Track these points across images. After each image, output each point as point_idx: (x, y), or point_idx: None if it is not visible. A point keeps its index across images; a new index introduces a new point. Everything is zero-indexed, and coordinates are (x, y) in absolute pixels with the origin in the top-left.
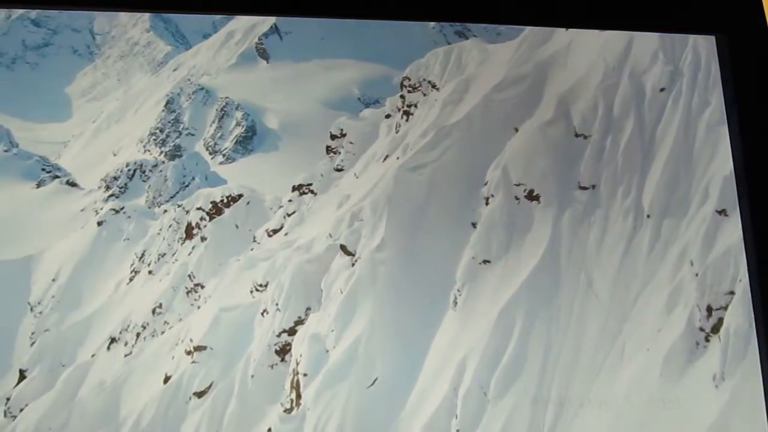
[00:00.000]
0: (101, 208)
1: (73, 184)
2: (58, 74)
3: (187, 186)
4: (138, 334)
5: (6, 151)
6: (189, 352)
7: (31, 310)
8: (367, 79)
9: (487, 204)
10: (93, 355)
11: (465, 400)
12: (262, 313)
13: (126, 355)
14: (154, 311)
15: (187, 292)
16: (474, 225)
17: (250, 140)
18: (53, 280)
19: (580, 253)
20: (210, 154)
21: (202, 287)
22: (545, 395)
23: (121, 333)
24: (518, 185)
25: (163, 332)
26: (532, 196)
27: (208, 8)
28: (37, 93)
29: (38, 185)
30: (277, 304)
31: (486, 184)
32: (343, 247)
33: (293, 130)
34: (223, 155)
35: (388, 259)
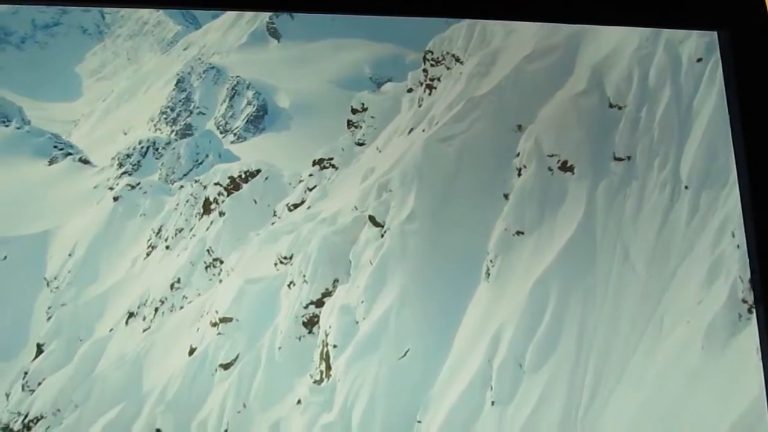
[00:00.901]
0: (114, 185)
1: (85, 162)
2: (68, 54)
3: (200, 163)
4: (156, 309)
5: (18, 128)
6: (214, 324)
7: (48, 285)
8: (378, 59)
9: (519, 175)
10: (111, 330)
11: (500, 372)
12: (289, 285)
13: (144, 330)
14: (172, 286)
15: (206, 267)
16: (506, 196)
17: (261, 119)
18: (69, 255)
19: (616, 225)
20: (221, 133)
21: (221, 262)
22: (582, 368)
23: (139, 308)
24: (551, 156)
25: (182, 307)
26: (565, 167)
27: (206, 4)
28: (47, 72)
29: (50, 162)
30: (304, 276)
31: (518, 155)
32: (371, 218)
33: (305, 109)
34: (234, 134)
35: (418, 230)
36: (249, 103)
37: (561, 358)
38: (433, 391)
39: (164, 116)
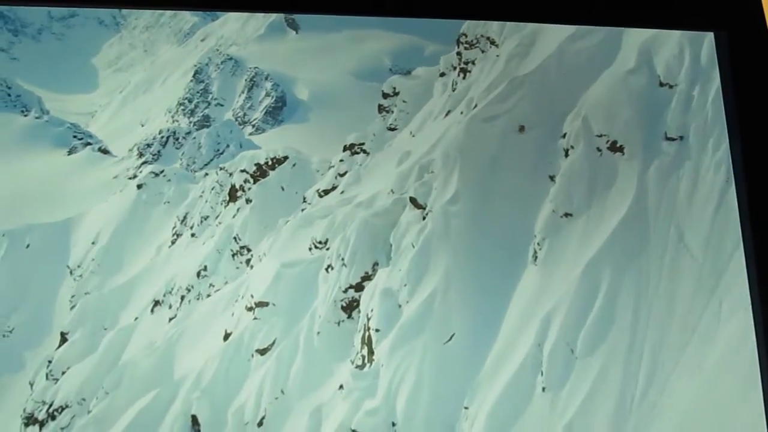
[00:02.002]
0: (135, 175)
1: (105, 152)
2: (84, 45)
3: (221, 153)
4: (183, 297)
5: (38, 118)
6: (250, 309)
7: (71, 273)
8: (398, 50)
9: (566, 156)
10: (136, 319)
11: (551, 357)
12: (327, 269)
13: (171, 319)
14: (198, 274)
15: (233, 255)
16: (551, 178)
17: (280, 111)
18: (93, 243)
19: (670, 207)
20: (239, 124)
21: (248, 250)
22: (637, 354)
23: (165, 296)
24: (600, 136)
25: (208, 295)
26: (615, 148)
27: (213, 5)
28: (64, 64)
29: (70, 152)
30: (342, 259)
31: (564, 135)
32: (413, 200)
33: (324, 100)
34: (253, 126)
35: (462, 212)
36: (267, 95)
37: (614, 343)
38: (481, 376)
39: (182, 107)
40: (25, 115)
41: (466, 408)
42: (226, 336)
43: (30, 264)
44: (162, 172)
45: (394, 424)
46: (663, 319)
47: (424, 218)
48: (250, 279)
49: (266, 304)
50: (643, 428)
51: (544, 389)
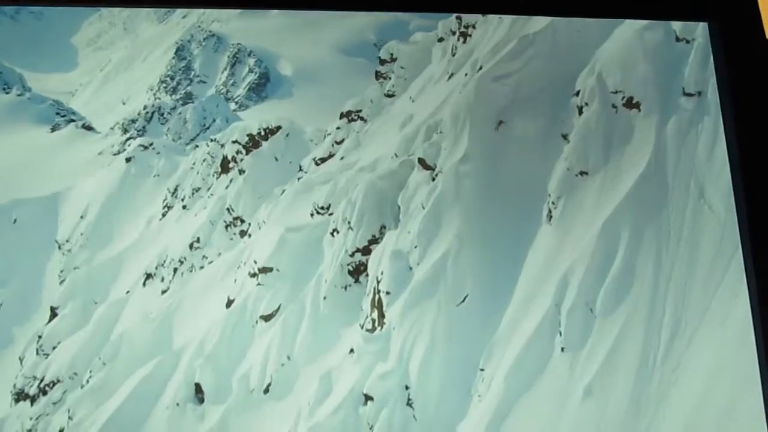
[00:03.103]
0: (120, 151)
1: (89, 128)
2: (64, 24)
3: (207, 128)
4: (175, 270)
5: (19, 95)
6: (253, 275)
7: (59, 248)
8: (383, 24)
9: (580, 114)
10: (128, 292)
11: (569, 317)
12: (332, 233)
13: (163, 292)
14: (191, 246)
15: (226, 226)
16: (564, 137)
17: (263, 87)
18: (81, 217)
19: (689, 163)
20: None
21: (242, 221)
22: (659, 311)
23: (157, 269)
24: (615, 93)
25: (202, 267)
26: (631, 104)
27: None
28: (42, 43)
29: (53, 129)
30: (349, 223)
31: (577, 93)
32: (421, 161)
33: (308, 76)
34: (236, 102)
35: (473, 172)
36: (251, 71)
37: (635, 301)
38: (496, 337)
39: (164, 85)
40: (7, 93)
41: (481, 370)
42: (229, 303)
43: (17, 239)
44: (151, 144)
45: (407, 388)
46: (685, 277)
47: (433, 179)
48: (253, 245)
49: (270, 269)
50: (666, 388)
51: (563, 349)
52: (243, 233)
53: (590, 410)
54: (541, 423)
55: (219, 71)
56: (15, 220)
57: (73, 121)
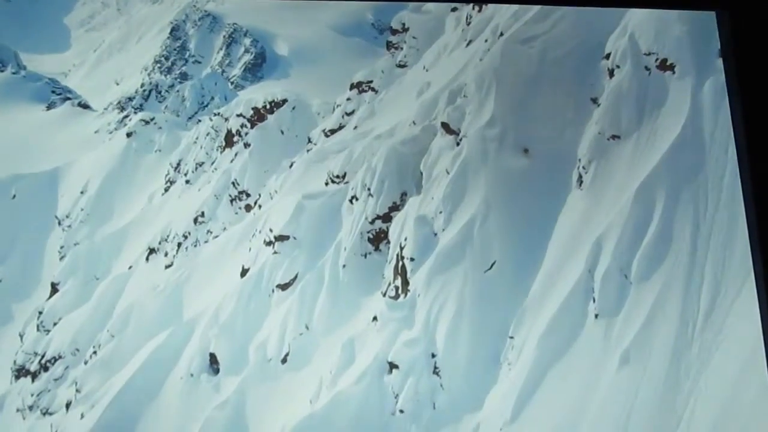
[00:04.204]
0: (117, 128)
1: (85, 106)
2: (56, 4)
3: (205, 106)
4: (179, 244)
5: (14, 73)
6: (269, 243)
7: (59, 223)
8: (380, 4)
9: (611, 77)
10: (130, 267)
11: (603, 283)
12: (351, 200)
13: (167, 266)
14: (195, 220)
15: (231, 200)
16: (593, 100)
17: (259, 67)
18: (82, 192)
19: (727, 125)
20: None
21: (247, 194)
22: (698, 276)
23: (160, 243)
24: (648, 55)
25: (206, 241)
26: (665, 66)
27: None
28: (36, 24)
29: (49, 107)
30: (369, 190)
31: (608, 56)
32: (445, 126)
33: (304, 56)
34: (232, 83)
35: (499, 136)
36: (247, 51)
37: (672, 266)
38: (526, 305)
39: (158, 65)
40: (2, 71)
41: (511, 337)
42: (244, 272)
43: (17, 214)
44: (153, 119)
45: (433, 356)
46: (724, 242)
47: (458, 144)
48: (268, 213)
49: (287, 237)
50: (707, 355)
51: (597, 316)
52: (249, 207)
53: (627, 379)
54: (576, 391)
55: (214, 51)
56: (14, 196)
57: (69, 99)
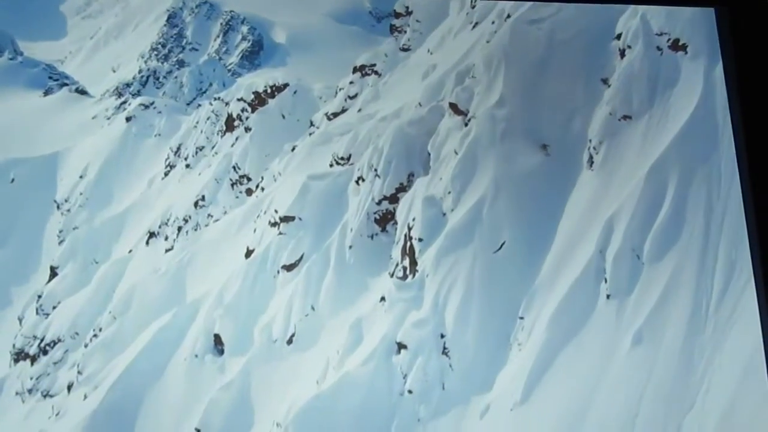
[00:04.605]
0: (114, 114)
1: (82, 92)
2: None
3: (204, 92)
4: (179, 228)
5: (11, 59)
6: (274, 224)
7: (58, 208)
8: None
9: (622, 57)
10: (130, 251)
11: (615, 263)
12: (357, 181)
13: (167, 250)
14: (196, 204)
15: (232, 184)
16: (604, 81)
17: (256, 55)
18: (81, 177)
19: None
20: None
21: (248, 179)
22: (711, 256)
23: (160, 227)
24: (660, 35)
25: (206, 225)
26: (677, 46)
27: None
28: (31, 11)
29: (46, 93)
30: (375, 170)
31: (618, 36)
32: (453, 106)
33: (302, 44)
34: (229, 70)
35: (509, 116)
36: (244, 39)
37: (685, 246)
38: (536, 285)
39: (155, 52)
40: None
41: (521, 318)
42: (248, 253)
43: (15, 199)
44: (152, 104)
45: (442, 336)
46: (738, 222)
47: (466, 124)
48: (273, 194)
49: (292, 218)
50: (721, 335)
51: (608, 296)
52: (249, 191)
53: (640, 359)
54: (587, 372)
55: (212, 39)
56: (12, 180)
57: (66, 85)
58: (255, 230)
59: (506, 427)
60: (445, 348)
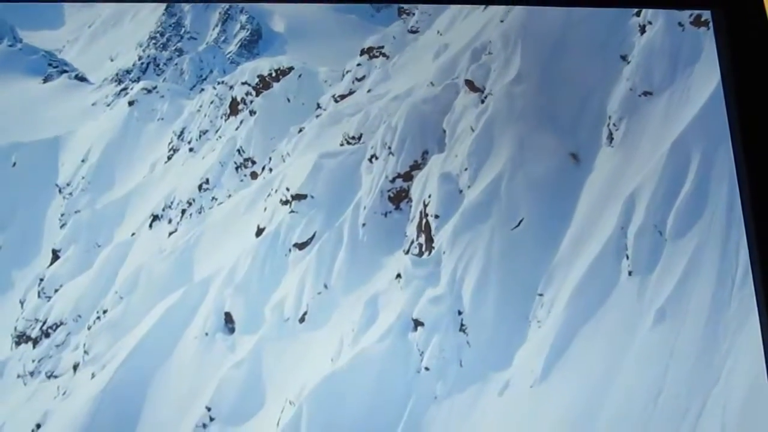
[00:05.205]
0: (113, 101)
1: (82, 79)
2: None
3: (204, 79)
4: (183, 211)
5: (11, 45)
6: (286, 202)
7: (60, 191)
8: None
9: (642, 33)
10: (133, 234)
11: (637, 240)
12: (370, 159)
13: (171, 233)
14: (200, 187)
15: (237, 168)
16: (623, 57)
17: (255, 44)
18: (83, 161)
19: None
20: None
21: (253, 162)
22: (736, 231)
23: (164, 210)
24: (682, 10)
25: (211, 208)
26: (699, 22)
27: None
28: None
29: (45, 80)
30: (389, 148)
31: (638, 13)
32: (468, 83)
33: (301, 33)
34: (228, 59)
35: (526, 93)
36: (242, 28)
37: (709, 222)
38: (555, 262)
39: (153, 41)
40: None
41: (540, 295)
42: (259, 232)
43: (17, 182)
44: (155, 88)
45: (460, 313)
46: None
47: (482, 101)
48: (284, 172)
49: (304, 196)
50: (745, 314)
51: (630, 273)
52: (254, 174)
53: (662, 336)
54: (609, 349)
55: (210, 28)
56: (14, 164)
57: (65, 72)
58: (266, 209)
59: (526, 404)
60: (462, 325)
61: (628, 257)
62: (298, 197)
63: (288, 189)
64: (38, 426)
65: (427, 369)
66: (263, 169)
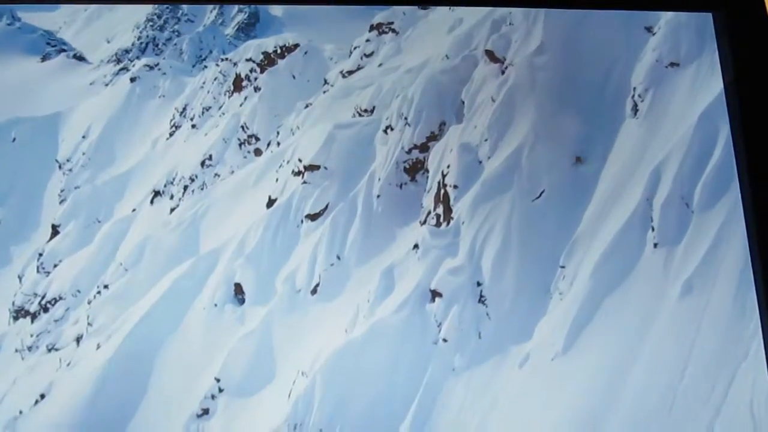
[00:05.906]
0: (112, 81)
1: (80, 58)
2: None
3: (204, 60)
4: (185, 187)
5: (9, 24)
6: (298, 173)
7: (60, 167)
8: None
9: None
10: (134, 210)
11: (663, 212)
12: (385, 130)
13: (173, 209)
14: (203, 163)
15: (240, 144)
16: (648, 29)
17: (252, 27)
18: (83, 137)
19: None
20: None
21: (257, 138)
22: None
23: (165, 186)
24: None
25: (213, 184)
26: None
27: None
28: None
29: (43, 59)
30: (405, 119)
31: None
32: (489, 53)
33: (298, 17)
34: (227, 41)
35: (548, 64)
36: (240, 10)
37: (737, 194)
38: (578, 234)
39: (150, 23)
40: None
41: (562, 267)
42: (270, 202)
43: (16, 157)
44: (157, 65)
45: (479, 284)
46: None
47: (503, 72)
48: (297, 143)
49: (317, 167)
50: None
51: (656, 245)
52: (258, 151)
53: (689, 309)
54: (633, 322)
55: (207, 10)
56: (14, 139)
57: (64, 51)
58: (277, 179)
59: (547, 377)
60: (482, 296)
61: (653, 229)
62: (311, 168)
63: (300, 160)
64: (42, 396)
65: (445, 340)
66: (268, 144)
